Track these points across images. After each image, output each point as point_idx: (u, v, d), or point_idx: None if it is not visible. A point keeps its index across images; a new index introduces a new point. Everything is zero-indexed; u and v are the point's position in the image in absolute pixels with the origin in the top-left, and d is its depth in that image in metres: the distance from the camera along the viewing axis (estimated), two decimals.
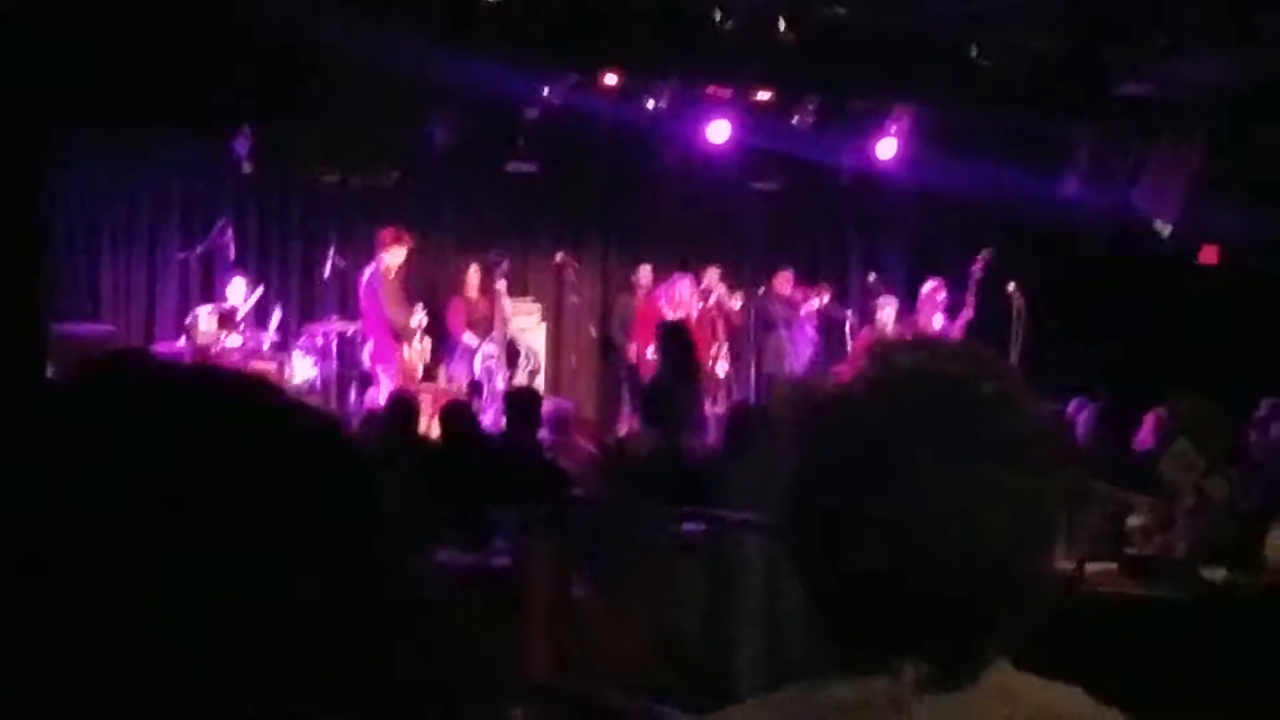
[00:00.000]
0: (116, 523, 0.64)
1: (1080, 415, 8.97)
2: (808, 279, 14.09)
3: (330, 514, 0.69)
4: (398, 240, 11.98)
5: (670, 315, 12.67)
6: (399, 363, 11.87)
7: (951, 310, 13.08)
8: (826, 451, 1.33)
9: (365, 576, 0.69)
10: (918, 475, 1.27)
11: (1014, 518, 1.28)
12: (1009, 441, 1.29)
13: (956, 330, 12.82)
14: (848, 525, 1.29)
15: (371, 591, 0.70)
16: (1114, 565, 5.66)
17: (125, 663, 0.62)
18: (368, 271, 11.97)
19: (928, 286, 13.26)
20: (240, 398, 0.72)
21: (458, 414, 8.34)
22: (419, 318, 12.12)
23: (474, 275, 12.85)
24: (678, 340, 9.14)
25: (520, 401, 8.49)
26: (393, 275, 11.99)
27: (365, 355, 12.01)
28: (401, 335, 11.89)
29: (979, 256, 12.99)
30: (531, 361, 12.89)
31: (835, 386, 1.42)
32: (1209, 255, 13.59)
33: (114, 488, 0.65)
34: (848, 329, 13.62)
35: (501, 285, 12.75)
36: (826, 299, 13.76)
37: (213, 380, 0.74)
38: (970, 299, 13.00)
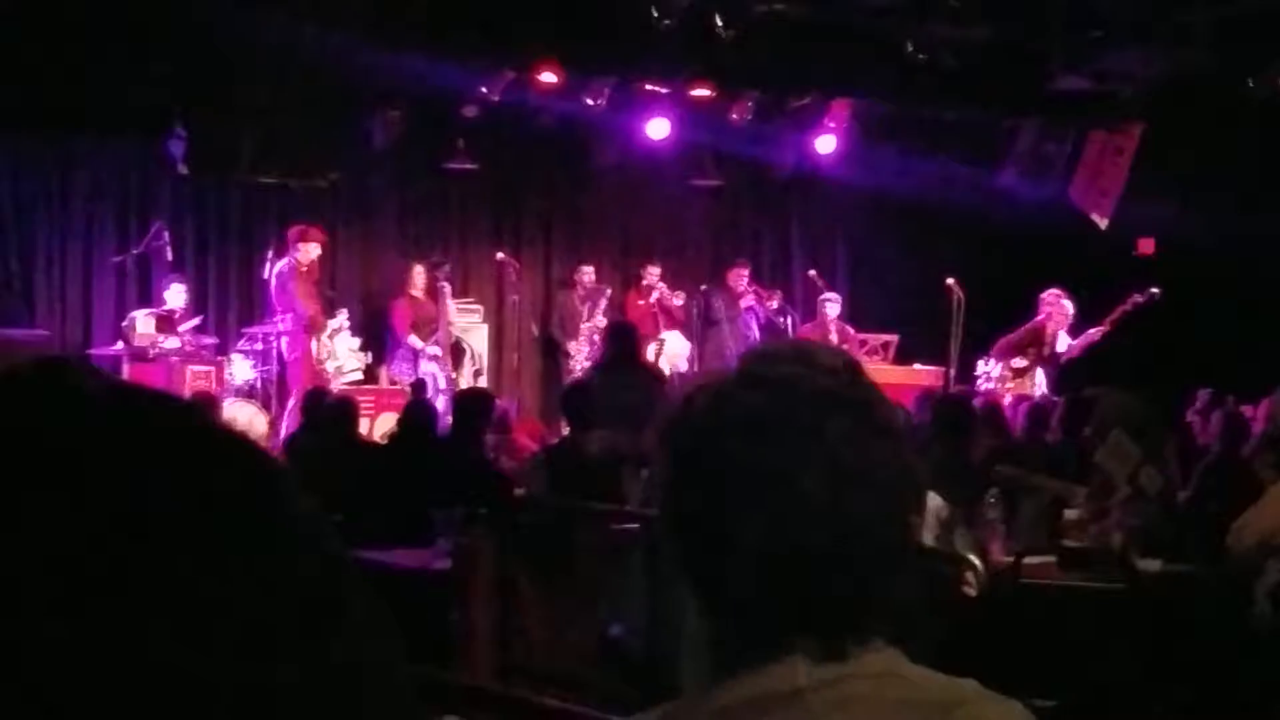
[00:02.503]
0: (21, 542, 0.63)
1: (1019, 409, 9.04)
2: (751, 276, 14.10)
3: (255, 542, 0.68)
4: (304, 237, 11.96)
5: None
6: (306, 357, 11.83)
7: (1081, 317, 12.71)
8: (696, 439, 1.36)
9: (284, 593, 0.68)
10: (783, 442, 1.31)
11: (877, 481, 1.32)
12: (862, 408, 1.35)
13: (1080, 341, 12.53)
14: (724, 503, 1.31)
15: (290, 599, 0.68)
16: (1050, 557, 5.71)
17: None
18: (279, 265, 11.93)
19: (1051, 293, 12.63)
20: (168, 421, 0.71)
21: (417, 413, 8.28)
22: (340, 320, 12.10)
23: (419, 276, 12.83)
24: (616, 336, 9.14)
25: (468, 403, 8.45)
26: (304, 270, 11.96)
27: (283, 348, 11.97)
28: (311, 330, 11.85)
29: (1140, 296, 12.27)
30: (476, 363, 12.88)
31: (699, 382, 1.45)
32: (1146, 247, 13.74)
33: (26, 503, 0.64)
34: (789, 324, 13.66)
35: (445, 288, 12.74)
36: (775, 304, 13.75)
37: (137, 399, 0.73)
38: (1109, 323, 12.46)
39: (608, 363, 8.91)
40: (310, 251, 12.00)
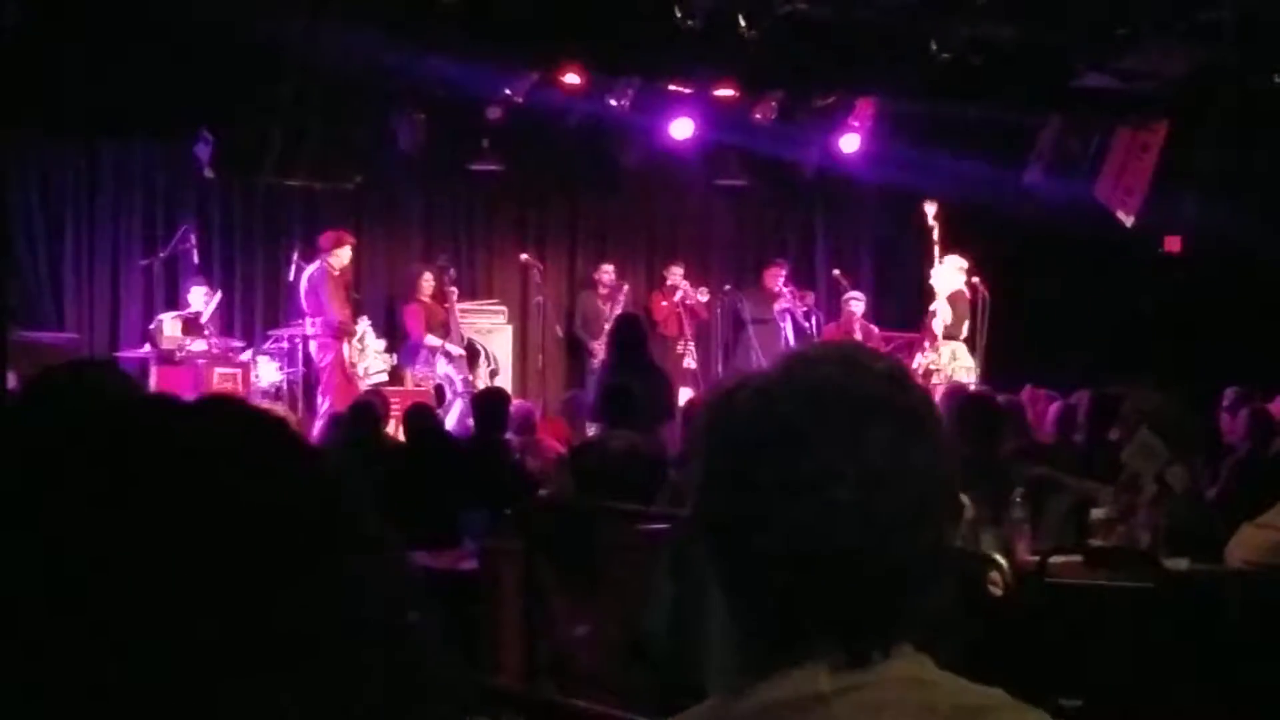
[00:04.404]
0: (45, 552, 0.64)
1: (1046, 407, 9.00)
2: (789, 276, 14.08)
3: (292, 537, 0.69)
4: (338, 242, 11.99)
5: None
6: (338, 361, 11.86)
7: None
8: (734, 439, 1.35)
9: (333, 596, 0.69)
10: (821, 447, 1.30)
11: (913, 490, 1.31)
12: (904, 413, 1.33)
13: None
14: (758, 505, 1.31)
15: (341, 611, 0.69)
16: (1077, 557, 5.68)
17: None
18: (310, 270, 11.96)
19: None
20: (203, 425, 0.72)
21: (421, 415, 8.32)
22: (363, 326, 12.13)
23: (427, 282, 12.86)
24: (627, 332, 9.11)
25: (487, 403, 8.48)
26: (336, 274, 11.99)
27: (311, 351, 11.98)
28: (341, 334, 11.88)
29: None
30: (492, 363, 12.90)
31: (740, 379, 1.43)
32: (1173, 244, 13.69)
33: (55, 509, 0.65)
34: (813, 324, 13.65)
35: (453, 292, 12.78)
36: (807, 306, 13.74)
37: (172, 408, 0.74)
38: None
39: (615, 363, 8.88)
40: (343, 256, 12.04)
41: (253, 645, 0.64)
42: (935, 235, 12.88)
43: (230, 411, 0.74)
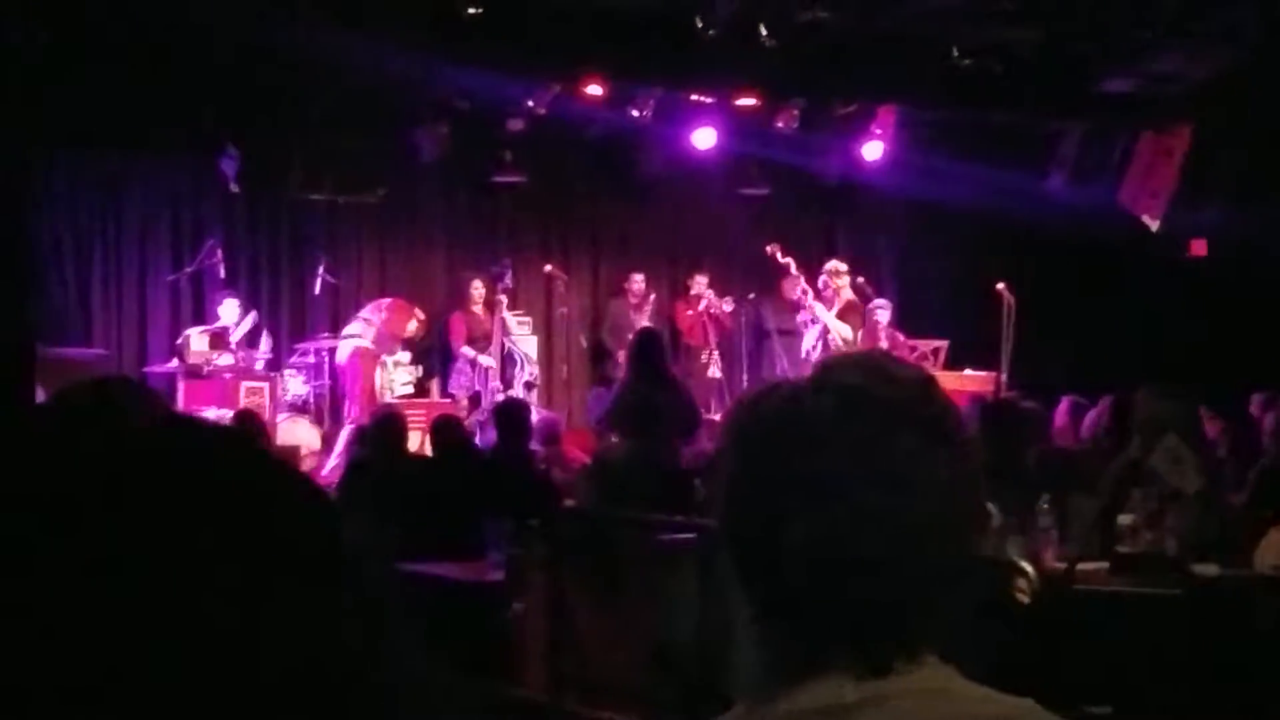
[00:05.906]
0: (67, 564, 0.64)
1: (1077, 414, 8.96)
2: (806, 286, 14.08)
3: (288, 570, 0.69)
4: (419, 325, 12.36)
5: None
6: (367, 373, 11.92)
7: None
8: (761, 444, 1.36)
9: (323, 618, 0.69)
10: (847, 454, 1.30)
11: (936, 496, 1.31)
12: (930, 422, 1.34)
13: None
14: (782, 509, 1.31)
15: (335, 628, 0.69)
16: (1104, 563, 5.66)
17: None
18: (390, 301, 12.23)
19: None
20: (209, 451, 0.72)
21: (448, 427, 8.34)
22: (398, 354, 12.27)
23: (477, 290, 12.89)
24: (646, 346, 9.09)
25: (509, 413, 8.48)
26: (410, 326, 12.30)
27: (341, 358, 12.04)
28: (387, 342, 12.01)
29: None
30: (528, 372, 12.90)
31: (770, 385, 1.44)
32: (1198, 248, 13.63)
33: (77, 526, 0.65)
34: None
35: (502, 300, 12.82)
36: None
37: (182, 429, 0.74)
38: None
39: (634, 376, 8.86)
40: (412, 328, 12.34)
41: (235, 672, 0.64)
42: (792, 269, 12.98)
43: (233, 441, 0.74)
